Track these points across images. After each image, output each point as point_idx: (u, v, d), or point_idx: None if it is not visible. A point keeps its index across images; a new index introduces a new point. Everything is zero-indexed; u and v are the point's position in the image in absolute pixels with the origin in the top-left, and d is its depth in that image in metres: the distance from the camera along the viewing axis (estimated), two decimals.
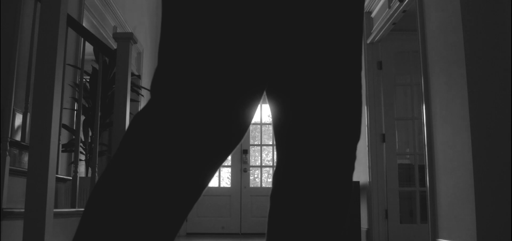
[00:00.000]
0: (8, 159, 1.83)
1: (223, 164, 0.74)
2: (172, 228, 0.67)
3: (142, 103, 5.70)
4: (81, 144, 3.27)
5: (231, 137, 0.69)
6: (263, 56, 0.71)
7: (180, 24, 0.70)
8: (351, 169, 0.88)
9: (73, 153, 3.33)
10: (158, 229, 0.65)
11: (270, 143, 6.93)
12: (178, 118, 0.66)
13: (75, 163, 2.49)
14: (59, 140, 2.19)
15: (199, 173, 0.67)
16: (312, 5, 0.81)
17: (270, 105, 0.90)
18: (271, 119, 7.38)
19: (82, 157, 3.37)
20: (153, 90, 0.70)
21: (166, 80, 0.68)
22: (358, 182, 4.88)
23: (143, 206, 0.64)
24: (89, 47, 4.95)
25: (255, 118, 6.84)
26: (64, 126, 3.19)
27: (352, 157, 0.87)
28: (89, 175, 3.36)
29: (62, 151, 3.25)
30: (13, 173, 2.20)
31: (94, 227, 0.63)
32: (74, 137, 3.28)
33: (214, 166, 0.69)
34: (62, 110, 2.67)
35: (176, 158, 0.65)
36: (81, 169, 4.30)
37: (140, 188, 0.64)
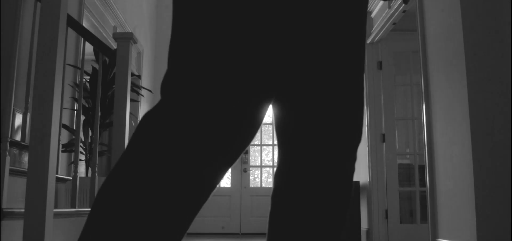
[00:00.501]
0: (8, 159, 1.83)
1: None
2: (180, 229, 0.67)
3: (142, 103, 5.70)
4: (81, 144, 3.27)
5: (241, 138, 0.69)
6: (270, 59, 0.71)
7: (190, 28, 0.70)
8: (352, 170, 0.88)
9: (73, 153, 3.33)
10: (167, 229, 0.65)
11: (270, 143, 6.93)
12: (188, 120, 0.66)
13: (75, 163, 2.49)
14: (59, 140, 2.19)
15: (208, 174, 0.68)
16: (316, 10, 0.81)
17: (273, 106, 0.90)
18: (271, 119, 7.34)
19: (82, 157, 3.37)
20: (163, 91, 0.70)
21: (176, 82, 0.68)
22: (358, 182, 4.88)
23: (152, 206, 0.63)
24: (89, 47, 4.95)
25: None
26: (64, 126, 3.19)
27: (353, 158, 0.88)
28: (89, 175, 3.36)
29: (62, 151, 3.25)
30: (13, 173, 2.20)
31: (101, 225, 0.63)
32: (74, 137, 3.28)
33: (223, 168, 0.69)
34: (62, 110, 2.67)
35: (186, 159, 0.65)
36: (81, 169, 4.30)
37: (149, 187, 0.64)
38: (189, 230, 6.52)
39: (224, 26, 0.68)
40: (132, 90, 3.54)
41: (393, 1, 4.25)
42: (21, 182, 2.28)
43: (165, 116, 0.66)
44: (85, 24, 4.17)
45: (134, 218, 0.63)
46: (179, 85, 0.68)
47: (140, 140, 0.66)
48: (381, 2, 4.64)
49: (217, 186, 0.72)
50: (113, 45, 4.64)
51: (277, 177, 0.90)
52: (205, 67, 0.67)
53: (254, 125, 0.71)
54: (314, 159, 0.85)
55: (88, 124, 3.30)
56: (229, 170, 6.73)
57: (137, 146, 0.66)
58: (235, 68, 0.67)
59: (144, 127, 0.67)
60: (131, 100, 3.54)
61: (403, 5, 3.91)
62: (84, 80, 3.33)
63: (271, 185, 6.74)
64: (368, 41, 4.99)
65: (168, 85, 0.69)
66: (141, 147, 0.66)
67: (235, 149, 0.69)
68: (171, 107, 0.67)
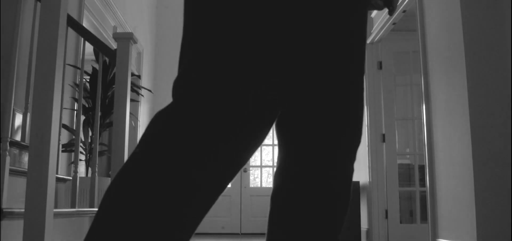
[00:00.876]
0: (8, 159, 1.83)
1: None
2: (188, 229, 0.67)
3: (142, 103, 5.70)
4: (81, 144, 3.27)
5: (250, 141, 0.70)
6: (278, 62, 0.72)
7: (201, 31, 0.71)
8: (351, 170, 0.89)
9: (73, 153, 3.33)
10: (175, 229, 0.65)
11: (270, 143, 6.94)
12: (199, 121, 0.66)
13: (75, 163, 2.49)
14: (59, 140, 2.19)
15: (218, 175, 0.68)
16: (318, 14, 0.82)
17: None
18: None
19: (82, 157, 3.37)
20: (175, 93, 0.70)
21: (187, 84, 0.69)
22: (358, 182, 4.88)
23: (160, 206, 0.63)
24: (89, 47, 4.96)
25: None
26: (64, 126, 3.19)
27: (352, 159, 0.88)
28: (89, 175, 3.36)
29: (62, 151, 3.25)
30: (13, 173, 2.20)
31: (108, 224, 0.63)
32: (74, 137, 3.28)
33: (232, 169, 0.70)
34: (62, 110, 2.67)
35: (196, 160, 0.65)
36: (81, 169, 4.30)
37: (158, 188, 0.64)
38: None
39: (234, 30, 0.69)
40: (132, 90, 3.54)
41: None
42: (21, 182, 2.28)
43: (176, 117, 0.67)
44: (85, 24, 4.17)
45: (142, 217, 0.63)
46: (190, 87, 0.69)
47: (151, 140, 0.67)
48: None
49: None
50: (113, 45, 4.64)
51: (277, 177, 0.91)
52: (215, 69, 0.68)
53: (264, 127, 0.71)
54: (314, 160, 0.86)
55: (88, 124, 3.30)
56: None
57: (147, 146, 0.67)
58: (244, 71, 0.68)
59: (155, 126, 0.68)
60: (131, 100, 3.54)
61: (403, 5, 3.91)
62: (84, 80, 3.33)
63: (271, 185, 6.75)
64: (368, 41, 4.99)
65: (179, 87, 0.70)
66: (152, 147, 0.66)
67: (244, 151, 0.70)
68: (182, 108, 0.67)
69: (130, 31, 3.87)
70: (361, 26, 0.88)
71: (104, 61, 3.34)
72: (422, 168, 5.10)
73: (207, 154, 0.66)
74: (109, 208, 0.64)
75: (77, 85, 3.51)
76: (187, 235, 0.67)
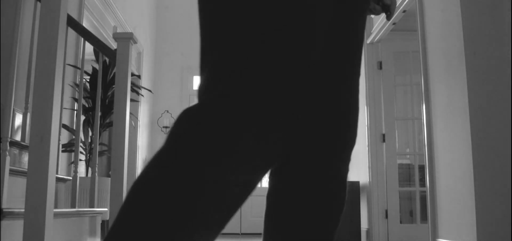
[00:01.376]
0: (8, 159, 1.83)
1: None
2: (217, 227, 0.67)
3: (142, 103, 5.70)
4: (81, 144, 3.27)
5: (274, 143, 0.69)
6: (299, 68, 0.72)
7: (226, 35, 0.71)
8: (346, 171, 0.90)
9: (73, 153, 3.33)
10: (202, 227, 0.65)
11: None
12: (228, 122, 0.66)
13: (75, 163, 2.49)
14: (59, 140, 2.19)
15: (246, 176, 0.68)
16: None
17: None
18: None
19: (82, 157, 3.37)
20: (201, 95, 0.70)
21: (216, 87, 0.69)
22: (358, 182, 4.88)
23: (189, 204, 0.63)
24: (89, 47, 4.96)
25: None
26: (64, 126, 3.19)
27: (348, 160, 0.89)
28: (89, 175, 3.36)
29: (62, 151, 3.25)
30: (13, 173, 2.20)
31: (133, 220, 0.63)
32: (74, 137, 3.28)
33: (259, 171, 0.69)
34: (62, 110, 2.67)
35: (229, 160, 0.65)
36: (81, 169, 4.30)
37: (188, 185, 0.63)
38: None
39: (255, 32, 0.69)
40: (132, 90, 3.54)
41: None
42: (21, 182, 2.28)
43: (203, 116, 0.67)
44: (85, 24, 4.17)
45: (165, 215, 0.62)
46: (217, 91, 0.68)
47: (178, 138, 0.67)
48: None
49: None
50: (113, 45, 4.64)
51: (273, 176, 0.91)
52: (240, 73, 0.68)
53: (291, 127, 0.71)
54: (310, 160, 0.86)
55: (88, 124, 3.30)
56: None
57: (174, 143, 0.66)
58: (269, 72, 0.68)
59: (183, 125, 0.67)
60: (131, 100, 3.54)
61: (403, 5, 3.91)
62: (84, 80, 3.33)
63: None
64: (368, 41, 4.99)
65: (205, 92, 0.70)
66: (178, 145, 0.66)
67: (270, 154, 0.69)
68: (209, 109, 0.67)
69: (130, 31, 3.87)
70: (360, 30, 0.89)
71: (104, 61, 3.34)
72: (422, 168, 5.10)
73: (232, 155, 0.66)
74: (133, 203, 0.64)
75: (77, 85, 3.51)
76: (212, 235, 0.67)
